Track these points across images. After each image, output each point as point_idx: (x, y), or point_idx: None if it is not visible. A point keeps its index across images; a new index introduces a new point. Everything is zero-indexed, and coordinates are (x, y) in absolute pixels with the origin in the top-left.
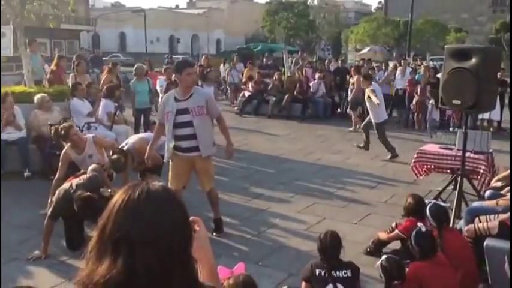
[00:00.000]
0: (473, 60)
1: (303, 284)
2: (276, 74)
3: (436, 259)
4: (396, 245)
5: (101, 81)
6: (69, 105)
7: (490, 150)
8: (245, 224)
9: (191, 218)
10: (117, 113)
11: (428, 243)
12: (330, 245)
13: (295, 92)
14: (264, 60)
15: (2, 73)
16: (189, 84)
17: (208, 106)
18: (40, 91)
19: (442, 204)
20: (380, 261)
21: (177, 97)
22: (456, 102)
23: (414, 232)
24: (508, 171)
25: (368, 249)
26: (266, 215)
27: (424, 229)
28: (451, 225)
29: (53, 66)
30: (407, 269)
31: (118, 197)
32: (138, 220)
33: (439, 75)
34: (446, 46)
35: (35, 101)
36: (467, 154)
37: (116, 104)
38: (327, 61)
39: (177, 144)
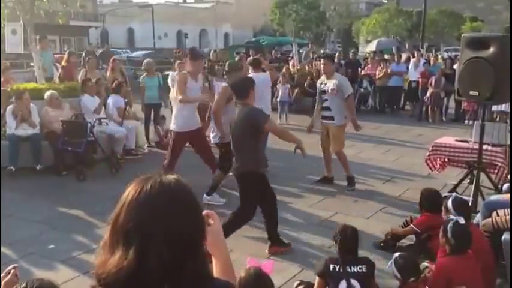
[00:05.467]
0: (491, 49)
1: (317, 279)
2: (285, 67)
3: (467, 255)
4: (409, 239)
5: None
6: (80, 101)
7: (508, 143)
8: (257, 218)
9: (205, 211)
10: (127, 109)
11: (466, 238)
12: (350, 238)
13: (305, 86)
14: (273, 53)
15: (13, 70)
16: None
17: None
18: (51, 88)
19: (464, 197)
20: (393, 258)
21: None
22: (473, 93)
23: (451, 224)
24: None
25: (382, 244)
26: (278, 209)
27: (462, 221)
28: None
29: (63, 63)
30: (425, 264)
31: (131, 189)
32: (150, 212)
33: (455, 66)
34: (463, 35)
35: (45, 97)
36: (484, 147)
37: (126, 100)
38: (337, 54)
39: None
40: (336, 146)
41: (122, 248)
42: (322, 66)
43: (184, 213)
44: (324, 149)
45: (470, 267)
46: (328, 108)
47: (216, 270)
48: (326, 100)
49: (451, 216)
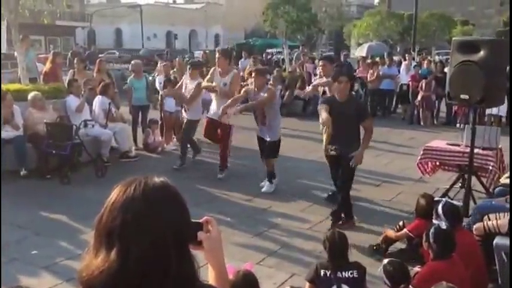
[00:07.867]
0: (482, 53)
1: (307, 285)
2: (275, 70)
3: (452, 259)
4: (401, 242)
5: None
6: (65, 102)
7: (500, 146)
8: (246, 223)
9: (204, 218)
10: (114, 110)
11: (448, 242)
12: (339, 243)
13: (296, 89)
14: (264, 55)
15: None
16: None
17: None
18: (35, 89)
19: (455, 202)
20: (382, 265)
21: None
22: (464, 96)
23: (433, 229)
24: None
25: (374, 248)
26: (267, 214)
27: (444, 226)
28: None
29: (48, 63)
30: (414, 269)
31: (115, 191)
32: (131, 214)
33: (446, 70)
34: (453, 38)
35: (28, 99)
36: (476, 150)
37: (109, 101)
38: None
39: None
40: None
41: (105, 251)
42: (321, 67)
43: (168, 217)
44: None
45: (455, 271)
46: None
47: (210, 278)
48: None
49: (434, 221)
